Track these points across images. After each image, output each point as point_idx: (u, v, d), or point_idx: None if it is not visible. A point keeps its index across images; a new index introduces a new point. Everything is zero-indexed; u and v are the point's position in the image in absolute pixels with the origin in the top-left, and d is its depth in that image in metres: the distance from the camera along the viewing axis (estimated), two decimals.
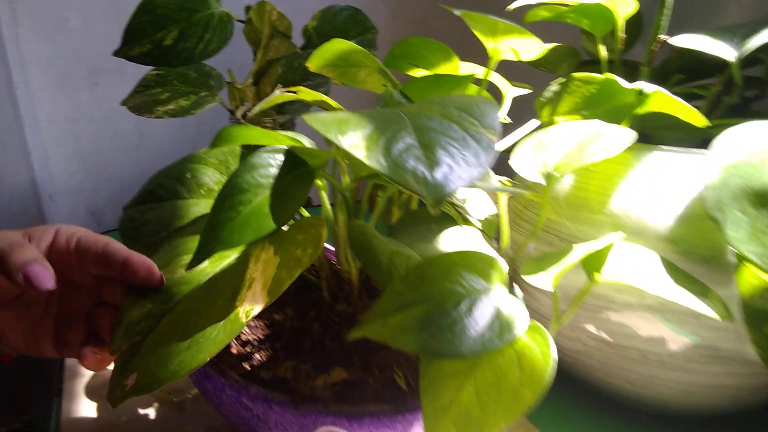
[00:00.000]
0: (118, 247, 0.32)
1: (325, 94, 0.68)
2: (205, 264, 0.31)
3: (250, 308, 0.29)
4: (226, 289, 0.30)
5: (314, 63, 0.46)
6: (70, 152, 0.77)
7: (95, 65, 0.75)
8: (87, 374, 0.51)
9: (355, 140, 0.28)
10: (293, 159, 0.30)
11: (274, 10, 0.63)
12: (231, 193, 0.28)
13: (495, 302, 0.32)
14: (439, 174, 0.27)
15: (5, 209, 0.72)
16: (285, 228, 0.33)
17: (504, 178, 0.49)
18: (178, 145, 0.84)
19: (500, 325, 0.31)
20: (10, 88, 0.69)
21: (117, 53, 0.54)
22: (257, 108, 0.41)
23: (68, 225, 0.33)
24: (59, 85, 0.74)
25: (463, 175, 0.28)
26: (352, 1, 0.70)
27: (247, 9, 0.64)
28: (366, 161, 0.27)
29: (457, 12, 0.39)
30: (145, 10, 0.55)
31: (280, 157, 0.30)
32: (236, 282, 0.30)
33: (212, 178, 0.37)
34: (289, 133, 0.37)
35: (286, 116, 0.64)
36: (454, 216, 0.38)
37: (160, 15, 0.55)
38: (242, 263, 0.31)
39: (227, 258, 0.32)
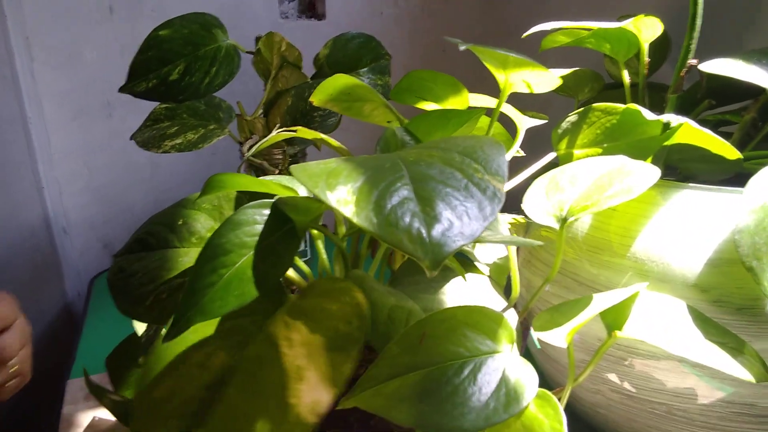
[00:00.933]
0: None
1: (336, 124, 0.67)
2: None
3: (314, 404, 0.24)
4: (266, 385, 0.24)
5: (318, 98, 0.45)
6: (83, 185, 0.77)
7: (110, 98, 0.76)
8: (82, 425, 0.50)
9: (344, 195, 0.25)
10: (280, 215, 0.28)
11: (283, 40, 0.62)
12: (213, 255, 0.26)
13: (501, 366, 0.29)
14: (437, 231, 0.24)
15: (19, 244, 0.72)
16: (288, 293, 0.30)
17: (519, 217, 0.47)
18: (192, 175, 0.83)
19: (507, 393, 0.28)
20: (24, 123, 0.69)
21: (123, 89, 0.53)
22: (254, 149, 0.39)
23: None
24: (73, 119, 0.74)
25: (464, 231, 0.25)
26: (367, 27, 0.69)
27: (257, 40, 0.63)
28: (355, 219, 0.24)
29: (462, 46, 0.37)
30: (151, 45, 0.54)
31: (267, 213, 0.28)
32: (276, 374, 0.24)
33: (204, 225, 0.36)
34: (284, 180, 0.35)
35: (296, 147, 0.63)
36: (455, 267, 0.35)
37: (166, 50, 0.54)
38: (268, 349, 0.26)
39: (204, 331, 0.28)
